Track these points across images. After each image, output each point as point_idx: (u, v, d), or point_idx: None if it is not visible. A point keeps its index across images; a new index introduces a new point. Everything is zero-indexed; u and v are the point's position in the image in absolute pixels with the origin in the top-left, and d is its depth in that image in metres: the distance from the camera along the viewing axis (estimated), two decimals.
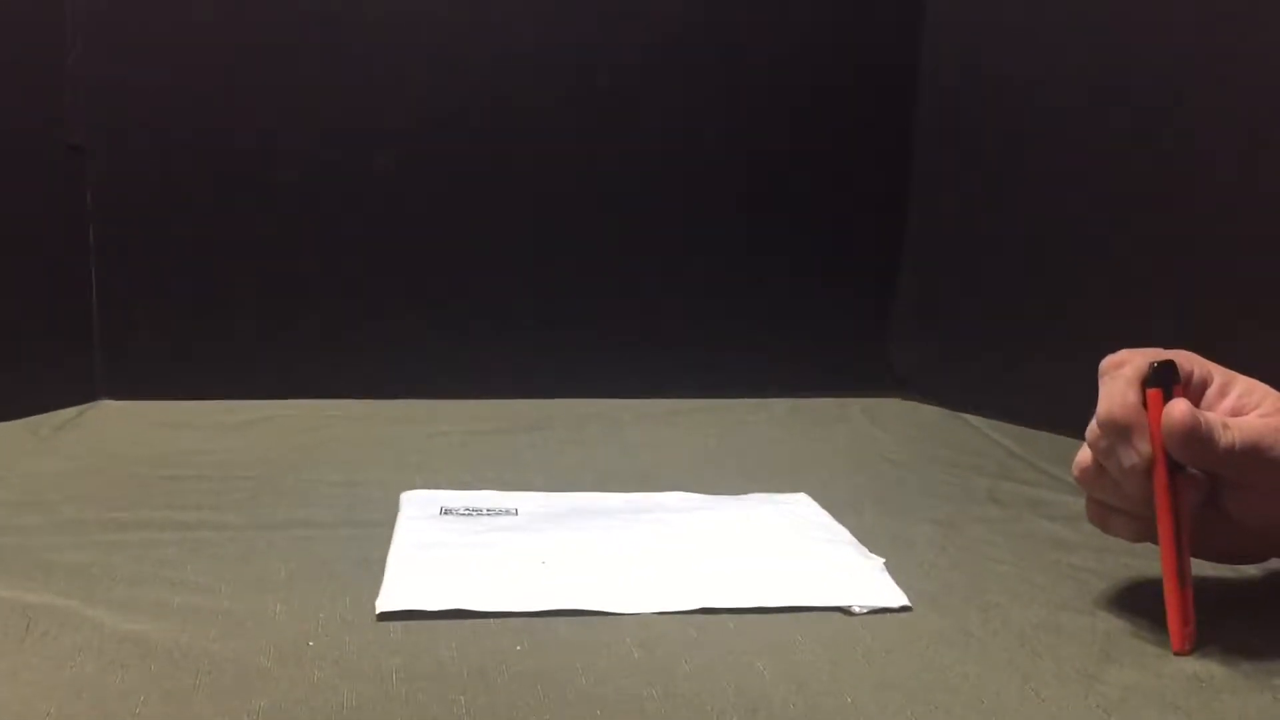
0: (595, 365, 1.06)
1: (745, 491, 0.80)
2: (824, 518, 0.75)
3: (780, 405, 1.07)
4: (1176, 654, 0.56)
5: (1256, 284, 0.85)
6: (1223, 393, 0.58)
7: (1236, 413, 0.56)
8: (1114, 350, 0.58)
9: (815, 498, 0.78)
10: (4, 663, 0.52)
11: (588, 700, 0.51)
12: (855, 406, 1.07)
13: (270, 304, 1.02)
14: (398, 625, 0.58)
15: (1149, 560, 0.60)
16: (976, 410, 1.03)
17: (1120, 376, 0.56)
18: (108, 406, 0.99)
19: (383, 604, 0.59)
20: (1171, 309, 0.89)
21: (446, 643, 0.56)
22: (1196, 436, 0.53)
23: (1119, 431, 0.55)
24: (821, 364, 1.10)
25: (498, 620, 0.58)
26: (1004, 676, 0.54)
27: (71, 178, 0.96)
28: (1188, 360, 0.57)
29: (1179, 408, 0.54)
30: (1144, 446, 0.54)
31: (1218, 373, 0.58)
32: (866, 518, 0.75)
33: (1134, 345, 0.58)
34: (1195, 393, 0.57)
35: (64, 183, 0.96)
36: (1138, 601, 0.62)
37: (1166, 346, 0.58)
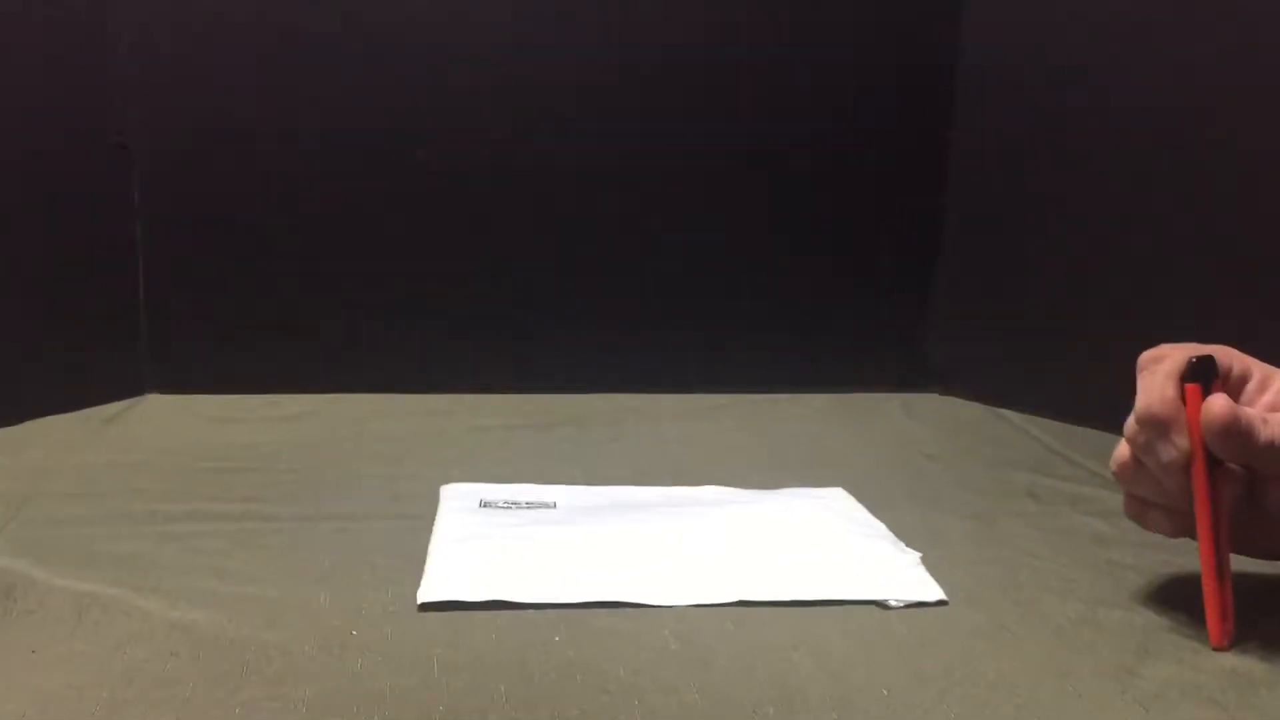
0: (633, 361, 1.07)
1: (782, 486, 0.80)
2: (861, 512, 0.75)
3: (818, 400, 1.07)
4: (1215, 649, 0.55)
5: None
6: (1262, 388, 0.57)
7: (1276, 408, 0.56)
8: (1153, 345, 0.58)
9: (852, 492, 0.79)
10: (57, 650, 0.54)
11: (625, 690, 0.51)
12: (893, 402, 1.07)
13: (314, 300, 1.04)
14: (438, 615, 0.58)
15: (1187, 556, 0.60)
16: (1014, 406, 1.03)
17: (1159, 371, 0.55)
18: (156, 401, 1.01)
19: (424, 595, 0.60)
20: (1211, 305, 0.88)
21: (486, 633, 0.56)
22: (1236, 431, 0.53)
23: (1157, 426, 0.55)
24: (859, 360, 1.10)
25: (536, 611, 0.59)
26: (1041, 671, 0.54)
27: (118, 176, 0.98)
28: (1227, 355, 0.57)
29: (1218, 402, 0.53)
30: (1182, 441, 0.54)
31: (1257, 368, 0.58)
32: (903, 512, 0.75)
33: (1174, 341, 0.57)
34: (1235, 388, 0.57)
35: (110, 181, 0.98)
36: (1176, 597, 0.61)
37: (1207, 342, 0.57)
